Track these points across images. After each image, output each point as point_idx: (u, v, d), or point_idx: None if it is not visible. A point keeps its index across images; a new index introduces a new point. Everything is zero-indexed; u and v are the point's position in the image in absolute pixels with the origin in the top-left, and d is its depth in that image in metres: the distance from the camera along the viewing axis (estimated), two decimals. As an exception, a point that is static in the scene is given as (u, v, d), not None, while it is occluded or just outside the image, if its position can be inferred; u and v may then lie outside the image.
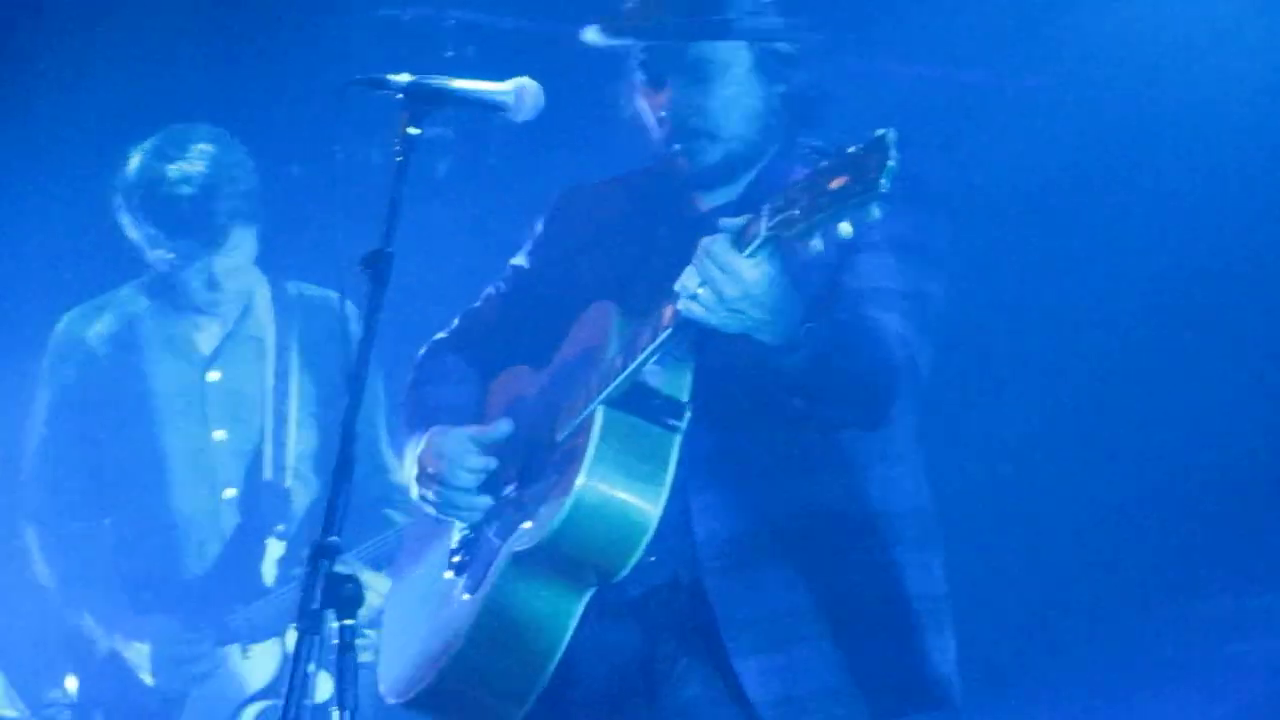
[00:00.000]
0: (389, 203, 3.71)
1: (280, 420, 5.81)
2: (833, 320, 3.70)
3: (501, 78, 3.95)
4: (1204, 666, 6.11)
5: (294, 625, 3.45)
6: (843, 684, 3.85)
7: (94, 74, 6.35)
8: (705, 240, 3.54)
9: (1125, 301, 6.26)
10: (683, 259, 3.62)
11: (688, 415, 3.74)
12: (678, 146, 4.00)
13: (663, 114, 4.01)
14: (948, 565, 4.02)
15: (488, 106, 3.91)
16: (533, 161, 5.90)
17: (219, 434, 5.81)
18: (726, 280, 3.51)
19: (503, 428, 4.03)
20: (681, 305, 3.57)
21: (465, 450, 4.00)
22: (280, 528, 5.76)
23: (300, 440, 5.81)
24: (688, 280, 3.55)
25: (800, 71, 4.04)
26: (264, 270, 5.86)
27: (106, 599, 5.75)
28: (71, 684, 5.75)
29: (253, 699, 5.69)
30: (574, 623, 3.78)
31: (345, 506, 3.49)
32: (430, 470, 4.01)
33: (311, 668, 3.40)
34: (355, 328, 3.82)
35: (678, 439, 3.74)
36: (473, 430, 4.04)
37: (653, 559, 3.78)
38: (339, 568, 3.43)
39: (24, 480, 5.88)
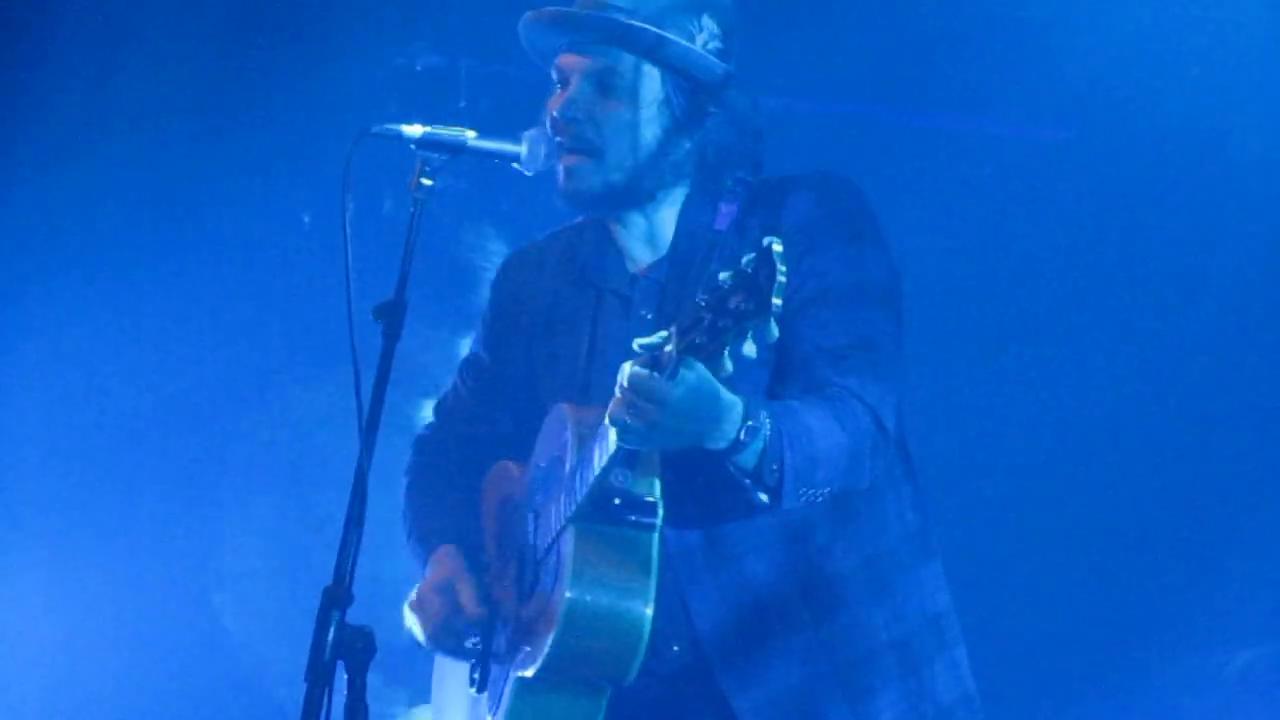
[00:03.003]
0: (403, 252, 3.71)
1: None
2: (780, 408, 3.62)
3: (514, 128, 3.96)
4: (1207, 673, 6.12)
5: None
6: None
7: (106, 124, 6.38)
8: (624, 370, 3.47)
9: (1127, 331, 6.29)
10: (628, 327, 3.64)
11: (661, 512, 3.70)
12: (560, 140, 3.88)
13: (555, 113, 3.92)
14: (949, 574, 3.99)
15: (501, 157, 3.90)
16: (545, 210, 5.91)
17: None
18: (652, 408, 3.45)
19: (481, 610, 4.00)
20: (616, 436, 3.53)
21: (451, 625, 4.00)
22: None
23: None
24: (617, 411, 3.49)
25: (717, 125, 3.91)
26: None
27: None
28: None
29: None
30: None
31: (357, 555, 3.48)
32: (420, 624, 4.03)
33: None
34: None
35: (655, 537, 3.71)
36: (461, 594, 4.01)
37: (676, 648, 3.82)
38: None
39: None
